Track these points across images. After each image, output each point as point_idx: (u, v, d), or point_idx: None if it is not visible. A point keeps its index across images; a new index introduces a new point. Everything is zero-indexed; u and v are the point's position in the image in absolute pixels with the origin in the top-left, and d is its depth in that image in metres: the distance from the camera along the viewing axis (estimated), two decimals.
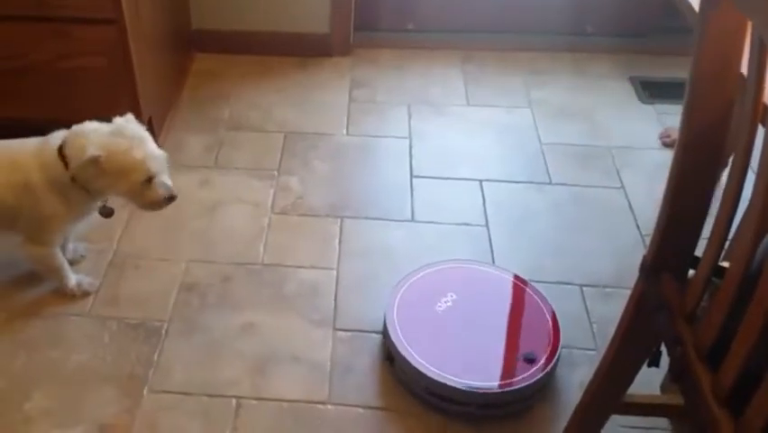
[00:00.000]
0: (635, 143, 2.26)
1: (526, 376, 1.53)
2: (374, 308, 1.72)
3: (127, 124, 1.60)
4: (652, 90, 2.51)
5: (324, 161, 2.18)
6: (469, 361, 1.55)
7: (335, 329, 1.68)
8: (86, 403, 1.52)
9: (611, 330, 1.67)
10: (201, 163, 2.15)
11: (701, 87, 1.04)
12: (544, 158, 2.21)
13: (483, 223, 1.99)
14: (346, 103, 2.40)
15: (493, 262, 1.87)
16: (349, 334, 1.67)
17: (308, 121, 2.33)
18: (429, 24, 2.66)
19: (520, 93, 2.48)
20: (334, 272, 1.82)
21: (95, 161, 1.53)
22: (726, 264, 1.06)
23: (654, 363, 1.40)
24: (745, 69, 0.98)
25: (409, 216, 2.00)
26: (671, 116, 2.37)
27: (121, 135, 1.57)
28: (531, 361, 1.56)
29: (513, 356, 1.58)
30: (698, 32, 1.00)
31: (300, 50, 2.53)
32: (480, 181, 2.12)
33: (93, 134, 1.57)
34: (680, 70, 2.49)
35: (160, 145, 1.65)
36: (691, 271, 1.19)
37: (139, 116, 1.62)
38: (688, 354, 1.08)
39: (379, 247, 1.91)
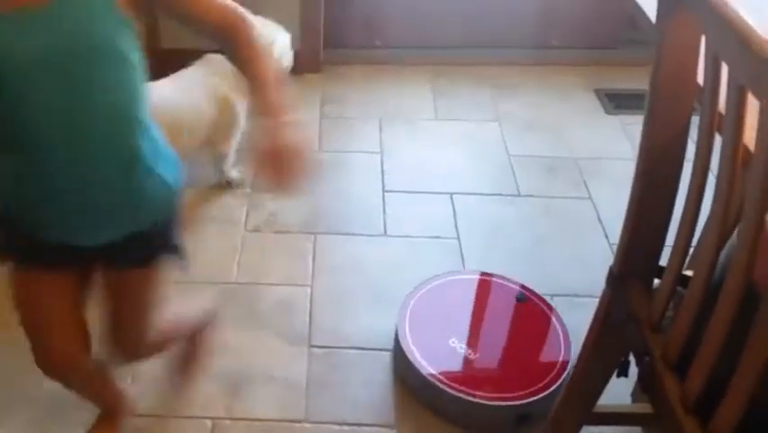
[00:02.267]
0: (601, 154, 2.25)
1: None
2: (349, 324, 1.69)
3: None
4: (617, 101, 2.51)
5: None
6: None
7: (310, 346, 1.64)
8: (60, 429, 1.46)
9: (582, 339, 1.67)
10: None
11: (660, 98, 1.03)
12: (513, 170, 2.19)
13: (455, 236, 1.96)
14: (317, 119, 2.37)
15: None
16: (324, 350, 1.63)
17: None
18: (397, 41, 2.64)
19: (488, 106, 2.46)
20: (309, 289, 1.78)
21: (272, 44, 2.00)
22: (690, 273, 1.05)
23: (623, 373, 1.38)
24: (701, 80, 0.97)
25: (382, 231, 1.96)
26: (636, 127, 2.35)
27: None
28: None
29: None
30: (655, 45, 1.00)
31: None
32: (451, 194, 2.09)
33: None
34: (644, 82, 2.48)
35: None
36: (657, 281, 1.18)
37: None
38: (655, 364, 1.06)
39: (353, 262, 1.87)
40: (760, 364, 0.85)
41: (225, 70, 1.90)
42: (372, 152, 2.24)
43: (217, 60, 1.93)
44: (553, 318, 1.63)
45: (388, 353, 1.63)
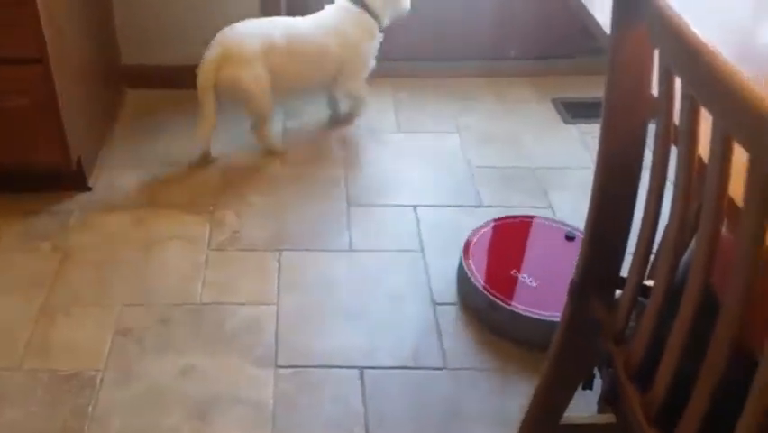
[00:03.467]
0: (561, 164, 2.24)
1: None
2: (316, 342, 1.64)
3: None
4: (574, 111, 2.50)
5: (261, 194, 2.08)
6: None
7: (277, 366, 1.58)
8: None
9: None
10: (135, 201, 2.03)
11: (615, 109, 1.02)
12: (475, 181, 2.16)
13: (419, 248, 1.92)
14: (280, 132, 2.31)
15: (429, 286, 1.81)
16: (291, 370, 1.58)
17: (244, 156, 2.23)
18: None
19: (449, 118, 2.43)
20: (274, 308, 1.72)
21: None
22: (650, 283, 1.03)
23: (588, 385, 1.36)
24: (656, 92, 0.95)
25: (347, 246, 1.92)
26: (594, 136, 2.34)
27: None
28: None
29: None
30: (609, 56, 0.98)
31: None
32: (415, 207, 2.06)
33: None
34: (599, 90, 2.50)
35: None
36: (618, 292, 1.16)
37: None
38: (618, 375, 1.04)
39: (319, 279, 1.82)
40: (719, 373, 0.83)
41: (354, 15, 2.21)
42: (335, 167, 2.20)
43: (347, 7, 2.23)
44: None
45: (357, 370, 1.59)
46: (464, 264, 1.78)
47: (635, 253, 1.02)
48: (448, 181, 2.17)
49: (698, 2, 1.23)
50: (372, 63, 2.31)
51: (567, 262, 1.65)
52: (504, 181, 2.17)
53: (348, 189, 2.11)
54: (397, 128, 2.38)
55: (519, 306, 1.67)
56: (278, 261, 1.86)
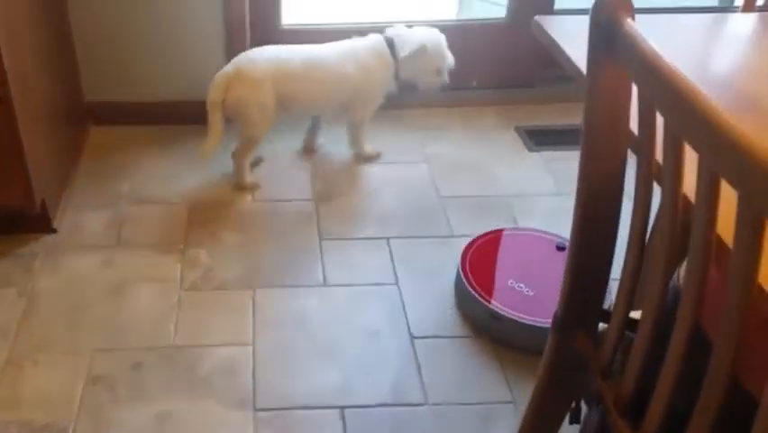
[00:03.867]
0: (527, 191, 2.24)
1: None
2: (295, 383, 1.60)
3: (434, 29, 2.27)
4: (537, 138, 2.52)
5: (232, 231, 2.03)
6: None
7: (256, 409, 1.53)
8: None
9: (528, 383, 1.63)
10: (102, 242, 1.96)
11: (594, 141, 1.01)
12: (445, 211, 2.15)
13: (394, 281, 1.90)
14: (248, 167, 2.25)
15: (406, 319, 1.78)
16: (271, 413, 1.53)
17: (211, 191, 2.19)
18: None
19: (415, 149, 2.42)
20: (250, 348, 1.68)
21: (424, 48, 2.21)
22: (636, 315, 1.02)
23: (576, 419, 1.35)
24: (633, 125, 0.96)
25: (321, 281, 1.88)
26: (558, 162, 2.37)
27: (436, 35, 2.25)
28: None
29: None
30: (587, 88, 0.97)
31: (198, 119, 2.35)
32: (387, 239, 2.03)
33: (410, 31, 2.26)
34: (560, 117, 2.55)
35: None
36: (602, 325, 1.15)
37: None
38: (608, 411, 1.02)
39: (294, 316, 1.78)
40: (715, 411, 0.83)
41: (379, 50, 2.24)
42: (306, 200, 2.16)
43: (374, 40, 2.26)
44: None
45: (338, 410, 1.55)
46: (462, 276, 1.83)
47: (621, 288, 1.01)
48: (419, 212, 2.15)
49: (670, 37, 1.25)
50: (381, 101, 2.33)
51: (559, 271, 1.74)
52: (474, 210, 2.17)
53: (319, 223, 2.08)
54: (366, 161, 2.36)
55: (520, 315, 1.73)
56: (253, 299, 1.81)
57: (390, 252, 2.00)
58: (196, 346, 1.67)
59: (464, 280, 1.82)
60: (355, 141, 2.36)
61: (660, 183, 0.88)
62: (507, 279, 1.83)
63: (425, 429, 1.54)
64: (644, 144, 0.89)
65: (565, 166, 2.34)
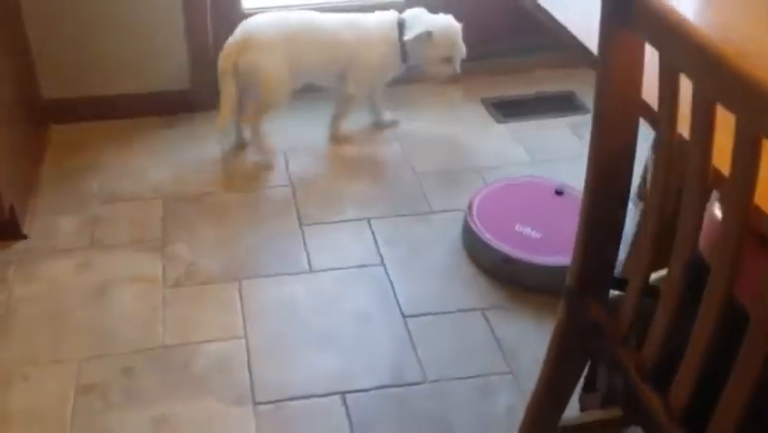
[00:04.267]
0: (500, 162, 2.19)
1: None
2: (292, 372, 1.53)
3: (450, 17, 2.17)
4: (504, 110, 2.47)
5: (211, 223, 1.94)
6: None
7: (256, 403, 1.46)
8: None
9: (521, 351, 1.60)
10: (77, 245, 1.84)
11: (607, 111, 0.97)
12: (422, 188, 2.09)
13: (379, 262, 1.84)
14: (220, 157, 2.17)
15: (396, 299, 1.73)
16: (271, 406, 1.46)
17: (186, 183, 2.08)
18: None
19: (386, 127, 2.35)
20: (243, 341, 1.60)
21: (429, 34, 2.11)
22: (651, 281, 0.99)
23: (591, 387, 1.32)
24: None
25: (307, 267, 1.81)
26: (528, 132, 2.33)
27: (447, 22, 2.14)
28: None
29: None
30: (601, 58, 0.92)
31: (164, 109, 2.27)
32: (368, 219, 1.97)
33: (425, 16, 2.16)
34: (524, 88, 2.51)
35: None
36: (612, 292, 1.12)
37: None
38: (631, 378, 0.99)
39: (284, 305, 1.71)
40: (752, 380, 0.80)
41: (387, 28, 2.16)
42: (283, 186, 2.08)
43: (385, 17, 2.19)
44: None
45: (339, 396, 1.49)
46: (472, 225, 1.87)
47: (638, 253, 0.98)
48: (396, 190, 2.09)
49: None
50: (383, 81, 2.26)
51: (560, 213, 1.96)
52: (450, 184, 2.11)
53: (298, 209, 2.00)
54: (337, 141, 2.28)
55: (531, 256, 1.79)
56: (239, 291, 1.73)
57: (372, 232, 1.93)
58: (187, 344, 1.58)
59: (475, 229, 1.86)
60: (336, 117, 2.28)
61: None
62: (513, 224, 1.87)
63: (427, 407, 1.50)
64: (666, 111, 0.84)
65: (534, 136, 2.30)
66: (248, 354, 1.57)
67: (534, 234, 1.85)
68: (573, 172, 1.62)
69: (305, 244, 1.88)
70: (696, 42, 0.75)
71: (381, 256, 1.86)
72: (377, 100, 2.32)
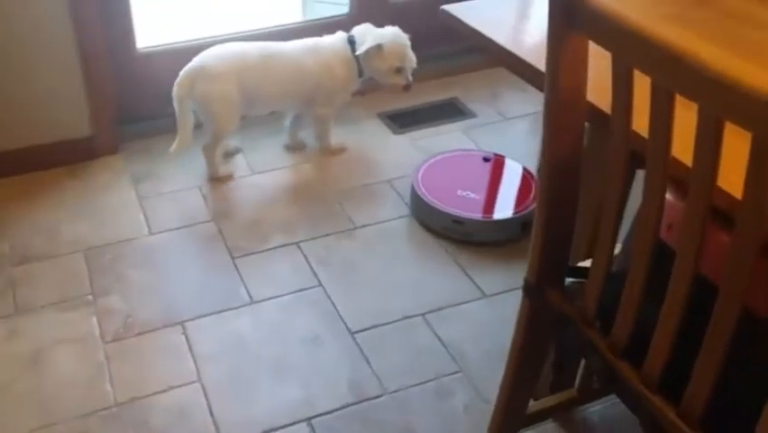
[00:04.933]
0: (406, 170, 2.17)
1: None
2: (254, 408, 1.46)
3: (397, 29, 2.18)
4: (399, 121, 2.48)
5: (138, 269, 1.81)
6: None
7: None
8: None
9: (465, 348, 1.61)
10: (0, 311, 1.68)
11: (557, 115, 0.99)
12: (341, 205, 2.06)
13: (317, 283, 1.79)
14: (136, 201, 2.03)
15: (340, 317, 1.69)
16: None
17: (104, 231, 1.93)
18: None
19: (295, 151, 2.28)
20: (198, 384, 1.51)
21: (379, 47, 2.13)
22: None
23: (560, 370, 1.34)
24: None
25: (248, 299, 1.73)
26: (425, 140, 2.35)
27: (395, 34, 2.16)
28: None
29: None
30: (549, 62, 0.94)
31: (67, 159, 2.09)
32: (297, 244, 1.91)
33: (373, 30, 2.18)
34: (413, 99, 2.53)
35: None
36: (568, 280, 1.14)
37: None
38: (605, 357, 1.02)
39: (232, 341, 1.63)
40: (722, 349, 0.84)
41: (340, 47, 2.17)
42: (206, 221, 1.98)
43: (336, 38, 2.19)
44: (513, 166, 2.16)
45: (305, 423, 1.44)
46: (422, 196, 2.02)
47: (600, 239, 1.00)
48: (318, 211, 2.04)
49: None
50: (346, 98, 2.28)
51: (489, 176, 2.19)
52: (366, 199, 2.10)
53: (226, 242, 1.91)
54: (250, 170, 2.20)
55: (477, 214, 1.97)
56: (185, 334, 1.63)
57: (304, 255, 1.88)
58: (142, 398, 1.47)
59: (424, 199, 2.01)
60: (320, 136, 2.29)
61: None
62: (455, 190, 2.04)
63: (392, 418, 1.48)
64: (620, 108, 0.87)
65: (432, 142, 2.33)
66: (206, 398, 1.48)
67: (474, 196, 2.03)
68: None
69: (240, 276, 1.80)
70: (654, 38, 0.77)
71: (318, 278, 1.81)
72: (325, 127, 2.29)
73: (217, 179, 2.14)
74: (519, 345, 1.21)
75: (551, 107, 0.97)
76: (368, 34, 2.16)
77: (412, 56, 2.19)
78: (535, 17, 1.32)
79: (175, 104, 2.03)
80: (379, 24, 2.22)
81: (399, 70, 2.17)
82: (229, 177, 2.16)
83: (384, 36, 2.16)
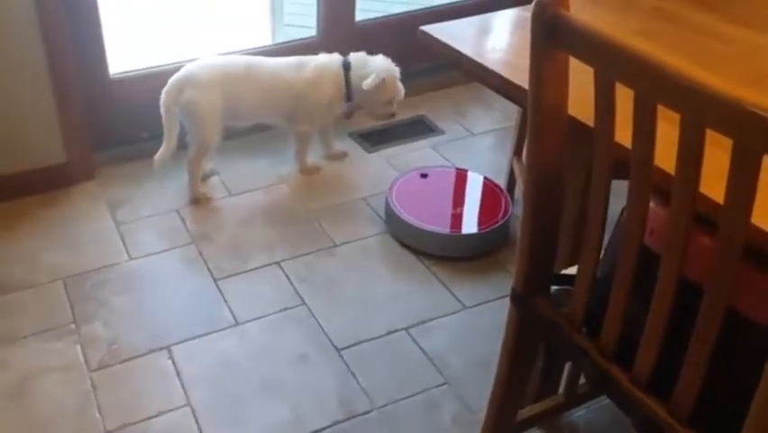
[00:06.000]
0: (382, 187, 2.17)
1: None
2: (245, 429, 1.45)
3: (389, 60, 2.20)
4: (371, 140, 2.50)
5: (120, 295, 1.78)
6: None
7: None
8: None
9: (449, 360, 1.62)
10: None
11: (542, 128, 1.02)
12: (320, 224, 2.06)
13: (300, 302, 1.79)
14: (113, 227, 2.00)
15: (325, 335, 1.69)
16: None
17: (82, 258, 1.89)
18: (160, 127, 2.33)
19: (269, 172, 2.28)
20: (188, 408, 1.49)
21: (383, 81, 2.15)
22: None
23: (547, 376, 1.36)
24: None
25: (232, 321, 1.72)
26: (397, 157, 2.37)
27: (390, 68, 2.18)
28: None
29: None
30: (531, 82, 0.98)
31: (41, 187, 2.05)
32: (278, 263, 1.91)
33: (370, 59, 2.20)
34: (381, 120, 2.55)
35: None
36: (553, 287, 1.17)
37: None
38: (595, 360, 1.04)
39: (219, 362, 1.61)
40: (708, 348, 0.87)
41: (333, 69, 2.19)
42: (185, 244, 1.96)
43: (331, 59, 2.20)
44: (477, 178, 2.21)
45: None
46: (398, 212, 2.04)
47: (585, 248, 1.02)
48: (297, 230, 2.05)
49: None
50: (330, 119, 2.30)
51: (454, 191, 2.23)
52: (344, 216, 2.11)
53: (208, 264, 1.89)
54: (228, 192, 2.19)
55: (446, 230, 2.01)
56: (171, 358, 1.61)
57: (286, 275, 1.88)
58: (131, 424, 1.44)
59: (399, 214, 2.03)
60: (298, 153, 2.31)
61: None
62: (431, 208, 2.09)
63: None
64: (603, 120, 0.90)
65: (403, 159, 2.36)
66: (196, 422, 1.46)
67: (455, 211, 2.13)
68: None
69: (224, 298, 1.79)
70: (636, 53, 0.80)
71: (301, 296, 1.81)
72: (328, 134, 2.37)
73: (196, 201, 2.14)
74: (508, 352, 1.23)
75: (535, 121, 1.00)
76: (367, 64, 2.19)
77: (401, 87, 2.24)
78: (502, 36, 1.38)
79: (162, 111, 2.06)
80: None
81: (391, 101, 2.23)
82: (207, 198, 2.15)
83: (386, 70, 2.19)
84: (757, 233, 0.83)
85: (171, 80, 2.07)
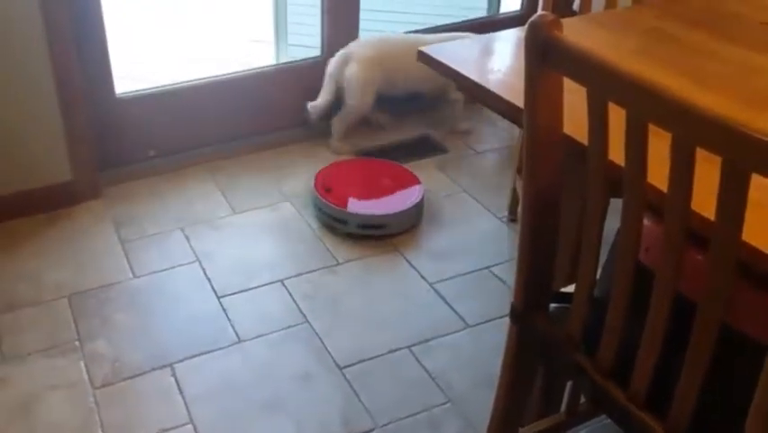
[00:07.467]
0: None
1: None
2: None
3: None
4: (378, 158, 2.53)
5: (124, 312, 1.81)
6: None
7: None
8: None
9: (452, 379, 1.64)
10: None
11: (538, 149, 1.04)
12: (323, 242, 2.09)
13: (303, 320, 1.81)
14: (118, 245, 2.03)
15: (328, 353, 1.71)
16: None
17: (87, 276, 1.92)
18: (169, 146, 2.38)
19: (274, 190, 2.32)
20: (191, 426, 1.51)
21: None
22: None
23: (549, 395, 1.36)
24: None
25: (236, 339, 1.74)
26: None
27: None
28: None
29: None
30: (526, 103, 1.00)
31: (46, 205, 2.09)
32: (282, 281, 1.93)
33: None
34: (388, 136, 2.59)
35: None
36: (552, 305, 1.18)
37: None
38: (593, 378, 1.06)
39: (222, 380, 1.63)
40: (704, 364, 0.88)
41: None
42: (190, 262, 1.98)
43: None
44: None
45: None
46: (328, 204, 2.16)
47: (582, 266, 1.04)
48: (300, 248, 2.07)
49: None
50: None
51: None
52: (348, 234, 2.12)
53: (212, 282, 1.92)
54: (231, 210, 2.21)
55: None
56: (174, 376, 1.63)
57: (289, 293, 1.90)
58: None
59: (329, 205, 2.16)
60: (454, 118, 2.66)
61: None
62: (348, 195, 2.20)
63: None
64: (597, 140, 0.92)
65: None
66: None
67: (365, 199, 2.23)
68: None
69: (227, 315, 1.81)
70: (629, 74, 0.83)
71: (304, 314, 1.83)
72: (456, 110, 2.68)
73: (336, 151, 2.50)
74: (508, 370, 1.25)
75: (530, 142, 1.03)
76: None
77: None
78: (502, 57, 1.41)
79: (326, 75, 2.46)
80: None
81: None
82: (344, 149, 2.51)
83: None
84: (749, 250, 0.85)
85: (339, 54, 2.46)
